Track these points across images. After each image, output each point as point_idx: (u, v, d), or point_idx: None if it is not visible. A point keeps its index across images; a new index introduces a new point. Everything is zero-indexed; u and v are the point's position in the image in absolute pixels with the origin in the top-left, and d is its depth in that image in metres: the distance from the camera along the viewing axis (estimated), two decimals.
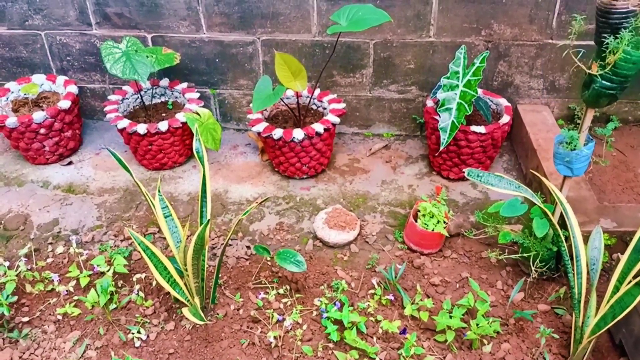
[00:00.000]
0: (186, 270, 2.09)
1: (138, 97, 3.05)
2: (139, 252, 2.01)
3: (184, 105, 3.05)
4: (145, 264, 2.52)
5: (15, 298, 2.08)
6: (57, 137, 2.95)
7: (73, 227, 2.70)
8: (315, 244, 2.59)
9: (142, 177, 2.98)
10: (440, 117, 2.56)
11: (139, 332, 2.20)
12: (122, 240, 2.63)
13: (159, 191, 2.16)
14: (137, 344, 2.17)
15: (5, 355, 2.11)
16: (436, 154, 2.77)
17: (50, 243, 2.62)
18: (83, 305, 2.33)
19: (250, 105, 2.92)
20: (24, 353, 2.15)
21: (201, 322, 1.94)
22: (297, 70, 2.55)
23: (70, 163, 3.06)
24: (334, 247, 2.57)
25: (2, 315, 2.10)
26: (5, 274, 2.36)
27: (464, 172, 2.03)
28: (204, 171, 2.17)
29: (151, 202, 2.10)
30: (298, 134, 2.68)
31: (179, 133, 2.86)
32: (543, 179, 2.14)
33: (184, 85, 3.07)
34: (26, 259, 2.50)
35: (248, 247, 2.58)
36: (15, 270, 2.42)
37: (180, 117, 2.81)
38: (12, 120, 2.79)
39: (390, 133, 3.28)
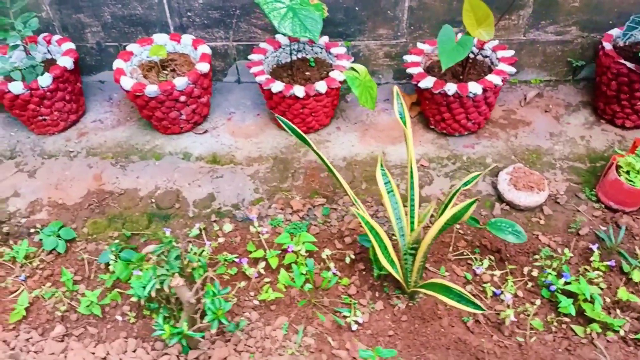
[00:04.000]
0: (414, 250, 1.92)
1: (276, 55, 2.77)
2: (367, 233, 1.82)
3: (325, 61, 2.78)
4: (325, 238, 2.35)
5: (229, 288, 1.90)
6: (194, 104, 2.70)
7: (232, 202, 2.51)
8: (502, 208, 2.41)
9: (289, 143, 2.75)
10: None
11: (355, 314, 2.05)
12: (291, 214, 2.44)
13: (381, 165, 1.95)
14: (354, 327, 2.03)
15: (222, 351, 1.96)
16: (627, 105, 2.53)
17: (215, 221, 2.44)
18: (276, 286, 2.19)
19: (404, 58, 2.67)
20: (236, 345, 2.00)
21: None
22: (484, 16, 2.28)
23: (206, 131, 2.83)
24: (524, 210, 2.39)
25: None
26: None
27: None
28: (407, 137, 1.95)
29: (337, 176, 1.90)
30: (475, 87, 2.44)
31: (333, 94, 2.61)
32: None
33: (326, 39, 2.78)
34: (196, 241, 2.33)
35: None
36: (192, 254, 2.25)
37: (337, 75, 2.55)
38: (152, 89, 2.53)
39: (539, 79, 3.03)
